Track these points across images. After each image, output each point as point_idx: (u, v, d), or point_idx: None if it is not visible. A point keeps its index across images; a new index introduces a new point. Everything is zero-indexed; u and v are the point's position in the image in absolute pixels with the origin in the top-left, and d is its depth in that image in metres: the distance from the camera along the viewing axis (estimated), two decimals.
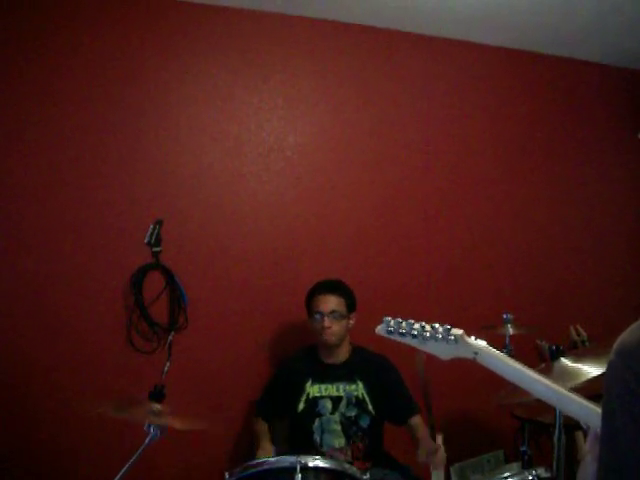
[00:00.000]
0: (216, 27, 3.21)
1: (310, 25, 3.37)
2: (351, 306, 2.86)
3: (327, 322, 2.77)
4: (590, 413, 1.26)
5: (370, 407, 2.81)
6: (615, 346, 0.96)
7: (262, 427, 2.87)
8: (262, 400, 2.96)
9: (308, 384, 2.81)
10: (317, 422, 2.77)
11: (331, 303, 2.80)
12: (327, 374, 2.83)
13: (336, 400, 2.80)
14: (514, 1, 3.18)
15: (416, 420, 2.81)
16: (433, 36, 3.59)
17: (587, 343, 3.49)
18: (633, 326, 0.96)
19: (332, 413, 2.78)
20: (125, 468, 2.10)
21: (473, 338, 1.31)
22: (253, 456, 2.65)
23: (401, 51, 3.56)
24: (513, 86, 3.78)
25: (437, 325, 1.27)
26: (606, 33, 3.53)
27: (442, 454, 2.41)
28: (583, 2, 3.18)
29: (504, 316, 3.03)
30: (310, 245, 3.32)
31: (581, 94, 3.94)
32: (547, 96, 3.86)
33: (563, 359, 2.40)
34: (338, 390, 2.81)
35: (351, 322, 2.86)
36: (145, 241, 3.01)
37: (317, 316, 2.80)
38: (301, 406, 2.79)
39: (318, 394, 2.80)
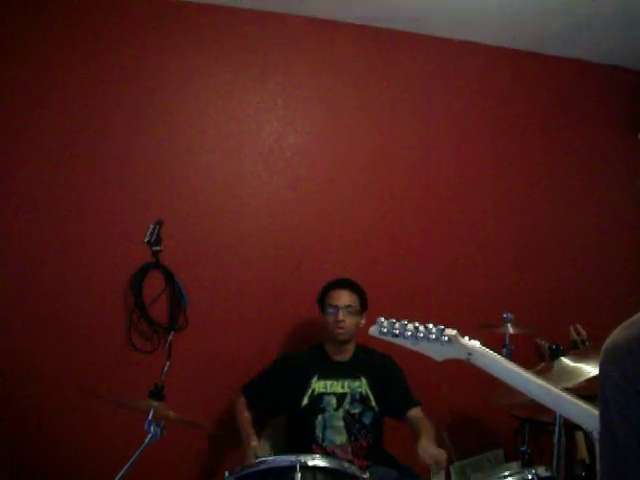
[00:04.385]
0: (216, 27, 3.21)
1: (310, 25, 3.37)
2: (364, 305, 2.91)
3: (341, 315, 2.80)
4: (586, 414, 1.26)
5: (373, 403, 2.84)
6: (604, 347, 0.96)
7: (242, 403, 2.81)
8: (253, 383, 2.89)
9: (314, 380, 2.82)
10: (320, 418, 2.78)
11: (346, 298, 2.84)
12: (333, 371, 2.85)
13: (341, 397, 2.81)
14: (514, 1, 3.18)
15: (415, 413, 2.81)
16: (433, 36, 3.59)
17: (587, 343, 3.49)
18: (621, 326, 0.96)
19: (336, 410, 2.79)
20: (125, 467, 2.11)
21: (467, 338, 1.32)
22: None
23: (401, 51, 3.56)
24: (513, 86, 3.78)
25: (431, 325, 1.27)
26: (606, 32, 3.52)
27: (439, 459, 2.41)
28: (583, 2, 3.17)
29: (504, 315, 3.02)
30: (310, 245, 3.33)
31: (581, 94, 3.93)
32: (547, 96, 3.85)
33: (563, 359, 2.41)
34: (343, 387, 2.83)
35: (362, 322, 2.89)
36: (145, 241, 3.02)
37: (331, 310, 2.83)
38: (305, 401, 2.79)
39: (324, 390, 2.81)
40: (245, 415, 2.77)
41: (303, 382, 2.82)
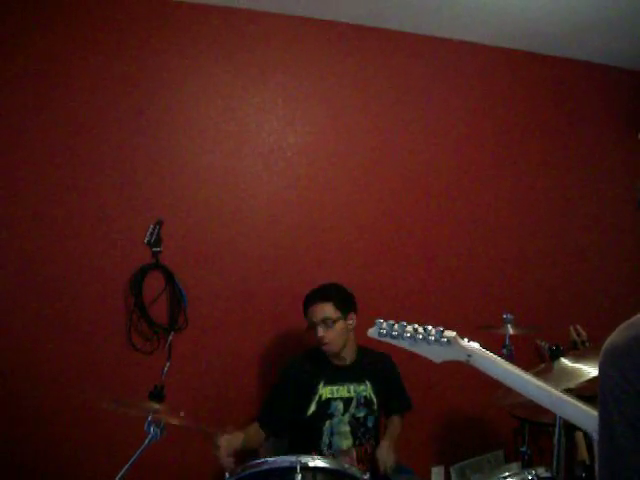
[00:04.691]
0: (216, 27, 3.21)
1: (310, 25, 3.37)
2: (345, 307, 2.79)
3: (320, 331, 2.72)
4: (585, 416, 1.26)
5: (376, 407, 2.83)
6: (603, 348, 0.96)
7: (255, 428, 2.74)
8: (267, 410, 2.82)
9: (320, 386, 2.78)
10: (328, 424, 2.76)
11: (320, 311, 2.73)
12: (338, 375, 2.81)
13: (347, 401, 2.79)
14: (514, 1, 3.18)
15: (394, 418, 2.90)
16: (433, 36, 3.59)
17: (587, 343, 3.49)
18: (620, 327, 0.97)
19: (343, 414, 2.77)
20: (125, 468, 2.10)
21: (466, 340, 1.32)
22: (254, 456, 2.65)
23: (401, 51, 3.56)
24: (513, 86, 3.78)
25: (430, 327, 1.27)
26: (606, 33, 3.52)
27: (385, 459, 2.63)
28: (583, 2, 3.17)
29: (504, 316, 3.02)
30: (310, 245, 3.33)
31: (581, 94, 3.94)
32: (547, 96, 3.86)
33: (563, 359, 2.40)
34: (349, 391, 2.80)
35: (350, 322, 2.80)
36: (145, 241, 3.02)
37: (311, 327, 2.76)
38: (312, 408, 2.76)
39: (330, 395, 2.78)
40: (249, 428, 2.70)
41: (310, 389, 2.78)
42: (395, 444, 2.75)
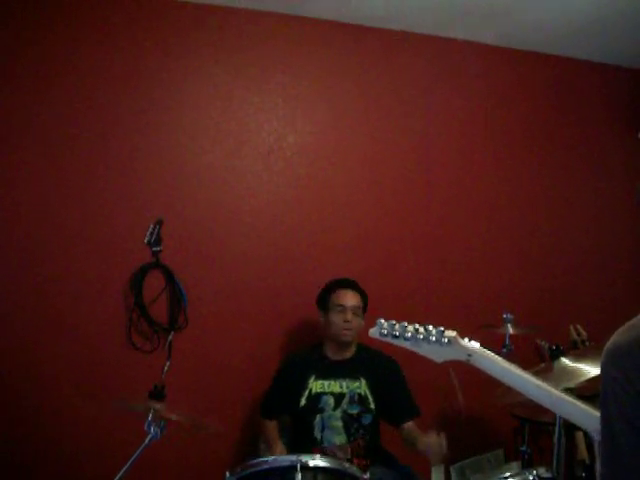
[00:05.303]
0: (216, 27, 3.21)
1: (310, 25, 3.37)
2: (365, 307, 2.90)
3: (350, 316, 2.79)
4: (585, 415, 1.26)
5: (372, 405, 2.82)
6: (606, 348, 0.96)
7: (271, 429, 2.84)
8: (268, 398, 2.93)
9: (311, 380, 2.82)
10: (318, 418, 2.78)
11: (354, 299, 2.84)
12: (331, 371, 2.84)
13: (338, 397, 2.80)
14: (514, 1, 3.18)
15: (409, 426, 2.79)
16: (433, 36, 3.59)
17: (587, 343, 3.49)
18: (622, 328, 0.97)
19: (334, 410, 2.79)
20: (125, 468, 2.11)
21: (467, 340, 1.32)
22: (254, 455, 2.65)
23: (401, 51, 3.56)
24: (513, 86, 3.77)
25: (430, 327, 1.27)
26: (606, 33, 3.52)
27: (442, 446, 2.47)
28: (583, 2, 3.18)
29: (504, 316, 3.02)
30: (309, 245, 3.33)
31: (581, 94, 3.93)
32: (547, 96, 3.85)
33: (563, 359, 2.41)
34: (341, 387, 2.82)
35: (362, 323, 2.86)
36: (145, 241, 3.02)
37: (339, 309, 2.81)
38: (303, 402, 2.80)
39: (321, 390, 2.81)
40: (281, 447, 2.73)
41: (301, 383, 2.82)
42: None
